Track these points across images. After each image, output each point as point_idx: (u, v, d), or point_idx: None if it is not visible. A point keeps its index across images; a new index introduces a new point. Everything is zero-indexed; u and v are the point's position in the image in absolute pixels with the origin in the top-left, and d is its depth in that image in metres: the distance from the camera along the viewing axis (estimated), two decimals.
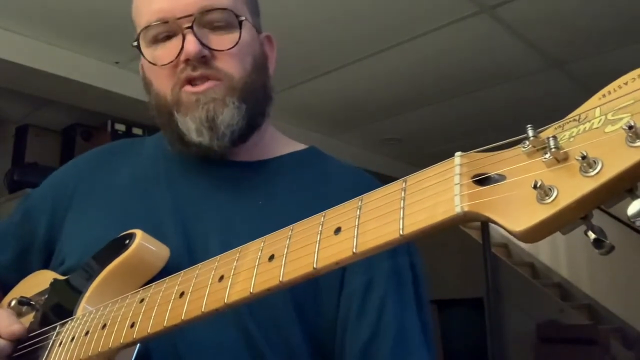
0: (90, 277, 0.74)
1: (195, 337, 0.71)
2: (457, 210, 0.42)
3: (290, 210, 0.69)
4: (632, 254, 4.43)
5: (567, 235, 0.41)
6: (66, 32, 2.61)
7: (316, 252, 0.49)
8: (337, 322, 0.74)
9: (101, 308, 0.68)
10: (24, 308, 0.81)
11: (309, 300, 0.73)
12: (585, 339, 3.89)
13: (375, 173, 0.88)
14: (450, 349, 4.35)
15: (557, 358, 4.00)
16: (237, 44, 0.77)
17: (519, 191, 0.40)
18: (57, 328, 0.73)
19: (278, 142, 0.90)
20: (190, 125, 0.77)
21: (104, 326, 0.65)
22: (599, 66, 3.01)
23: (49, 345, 0.72)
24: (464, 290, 4.55)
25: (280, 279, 0.50)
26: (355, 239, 0.47)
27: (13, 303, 0.82)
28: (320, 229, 0.51)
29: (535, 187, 0.39)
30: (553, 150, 0.39)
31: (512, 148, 0.43)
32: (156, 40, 0.78)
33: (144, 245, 0.73)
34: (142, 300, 0.63)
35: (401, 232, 0.44)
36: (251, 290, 0.52)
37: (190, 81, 0.76)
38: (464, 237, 4.68)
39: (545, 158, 0.40)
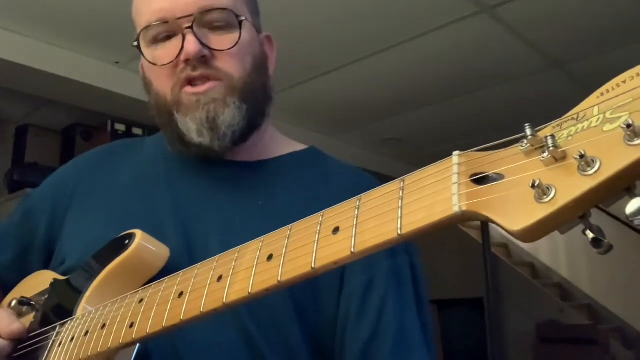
0: (91, 277, 0.74)
1: (194, 337, 0.71)
2: (455, 209, 0.42)
3: (290, 211, 0.69)
4: (631, 254, 4.42)
5: (567, 235, 0.41)
6: (66, 32, 2.61)
7: (314, 251, 0.49)
8: (337, 321, 0.74)
9: (100, 308, 0.68)
10: (24, 308, 0.81)
11: (309, 300, 0.73)
12: (585, 339, 3.88)
13: (375, 173, 0.88)
14: (450, 349, 4.34)
15: (557, 358, 4.00)
16: (237, 44, 0.77)
17: (517, 190, 0.40)
18: (57, 328, 0.73)
19: (278, 142, 0.90)
20: (191, 126, 0.77)
21: (103, 326, 0.65)
22: (599, 66, 3.01)
23: (49, 346, 0.72)
24: (464, 290, 4.55)
25: (279, 279, 0.50)
26: (353, 239, 0.47)
27: (13, 303, 0.82)
28: (318, 228, 0.50)
29: (533, 186, 0.38)
30: (551, 149, 0.39)
31: (510, 147, 0.42)
32: (156, 40, 0.78)
33: (144, 245, 0.73)
34: (141, 301, 0.63)
35: (399, 232, 0.44)
36: (250, 290, 0.52)
37: (191, 81, 0.76)
38: (464, 237, 4.67)
39: (543, 157, 0.39)
